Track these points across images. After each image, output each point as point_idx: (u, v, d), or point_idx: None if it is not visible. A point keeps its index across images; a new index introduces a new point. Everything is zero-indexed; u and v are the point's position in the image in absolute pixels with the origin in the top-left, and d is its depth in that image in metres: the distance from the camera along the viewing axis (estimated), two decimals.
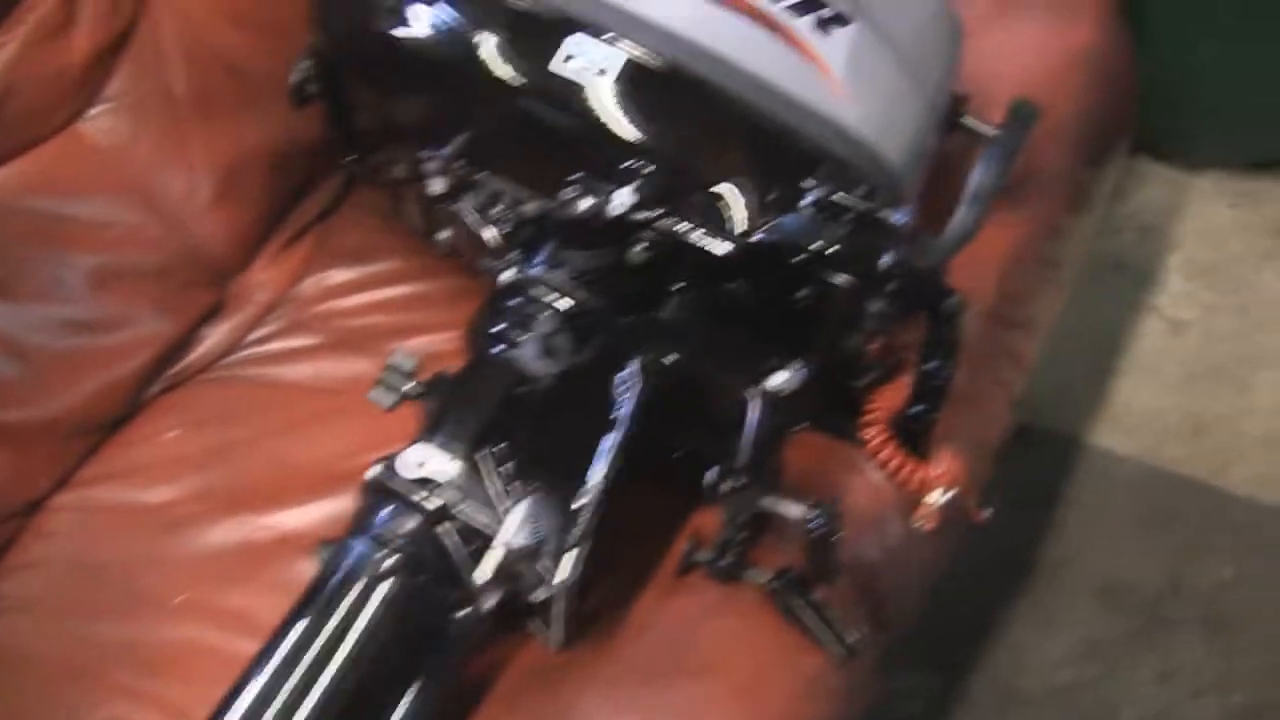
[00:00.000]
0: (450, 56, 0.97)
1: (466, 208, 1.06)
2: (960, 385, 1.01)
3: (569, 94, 0.94)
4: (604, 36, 0.94)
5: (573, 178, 0.96)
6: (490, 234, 1.05)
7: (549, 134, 0.98)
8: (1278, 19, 1.63)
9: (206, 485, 1.11)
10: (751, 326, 0.99)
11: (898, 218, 0.92)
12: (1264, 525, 1.51)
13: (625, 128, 0.94)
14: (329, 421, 1.13)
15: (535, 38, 0.96)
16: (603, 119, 0.94)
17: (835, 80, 0.97)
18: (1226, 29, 1.67)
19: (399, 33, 0.97)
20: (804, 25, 0.98)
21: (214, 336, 1.23)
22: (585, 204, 0.94)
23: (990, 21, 1.24)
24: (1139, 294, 1.73)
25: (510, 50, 0.96)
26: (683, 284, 0.98)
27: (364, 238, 1.23)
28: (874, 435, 1.02)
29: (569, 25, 0.95)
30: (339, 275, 1.25)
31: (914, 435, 1.01)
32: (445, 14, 0.97)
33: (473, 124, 1.02)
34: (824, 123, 0.95)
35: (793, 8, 0.99)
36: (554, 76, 0.95)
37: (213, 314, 1.23)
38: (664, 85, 0.94)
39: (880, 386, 1.03)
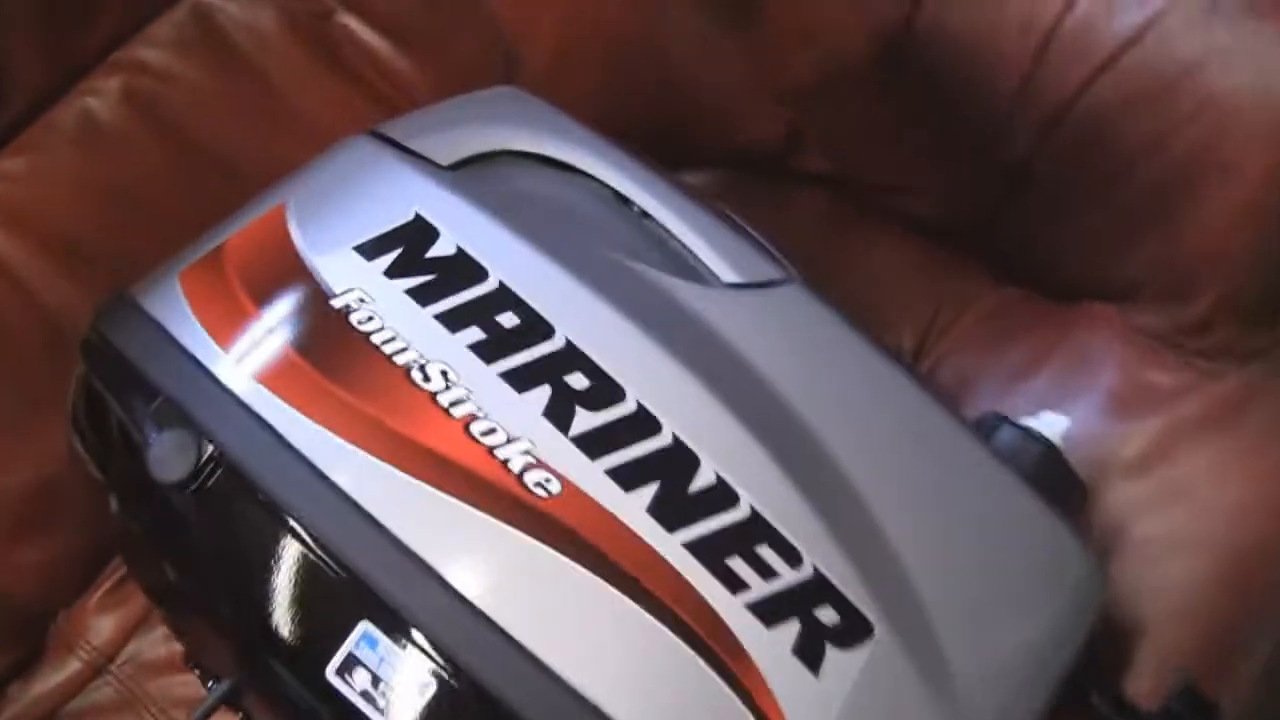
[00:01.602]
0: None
1: None
2: None
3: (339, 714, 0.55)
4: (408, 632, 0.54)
5: None
6: None
7: None
8: None
9: None
10: None
11: None
12: None
13: None
14: None
15: (318, 611, 0.56)
16: None
17: None
18: None
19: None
20: (775, 651, 0.53)
21: (21, 701, 0.88)
22: None
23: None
24: None
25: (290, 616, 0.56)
26: None
27: None
28: None
29: (361, 599, 0.55)
30: None
31: None
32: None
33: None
34: None
35: (764, 606, 0.54)
36: (325, 688, 0.55)
37: (22, 668, 0.89)
38: None
39: None
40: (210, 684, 0.67)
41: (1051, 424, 0.65)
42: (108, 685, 0.89)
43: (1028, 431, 0.65)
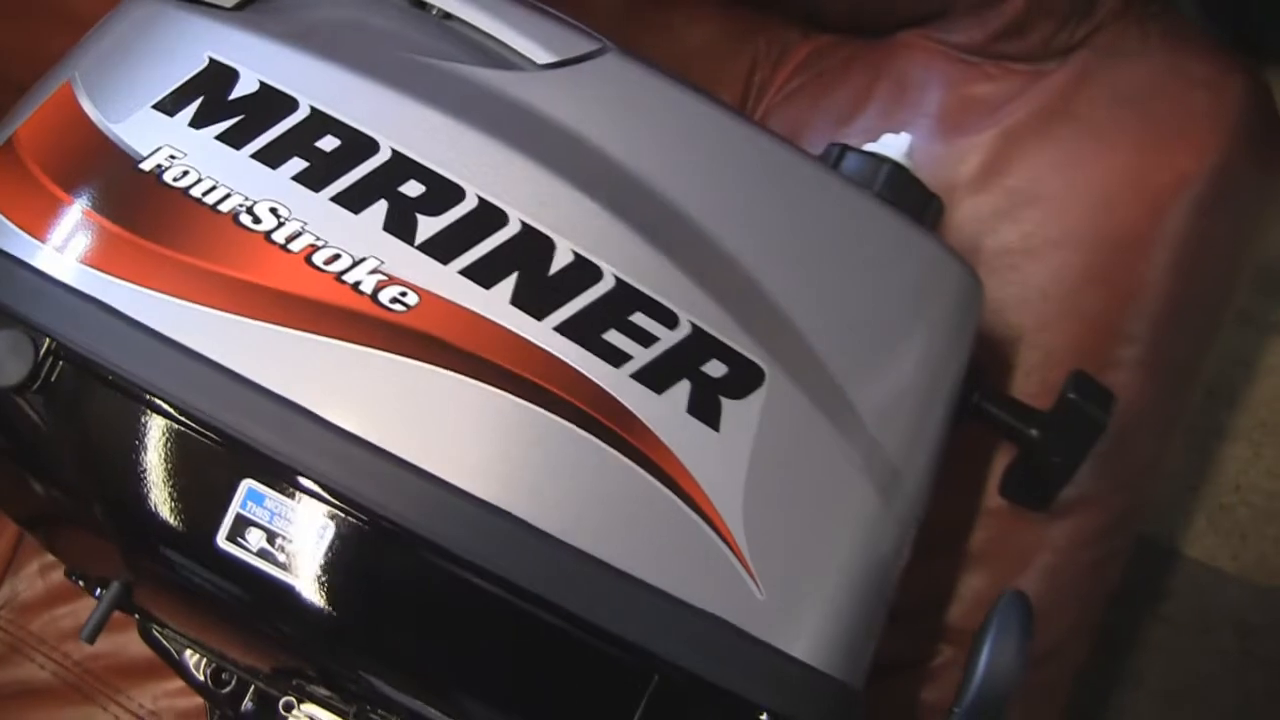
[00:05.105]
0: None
1: None
2: None
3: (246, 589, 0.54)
4: (294, 478, 0.53)
5: None
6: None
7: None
8: None
9: None
10: None
11: None
12: None
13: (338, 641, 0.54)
14: None
15: (196, 482, 0.54)
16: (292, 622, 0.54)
17: (715, 515, 0.54)
18: None
19: None
20: (670, 414, 0.53)
21: None
22: None
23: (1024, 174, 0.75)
24: None
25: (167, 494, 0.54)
26: None
27: None
28: None
29: (237, 457, 0.53)
30: None
31: None
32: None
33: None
34: (682, 618, 0.53)
35: (650, 372, 0.53)
36: (220, 558, 0.52)
37: None
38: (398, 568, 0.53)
39: None
40: (98, 591, 0.64)
41: (893, 144, 0.64)
42: None
43: (871, 154, 0.64)
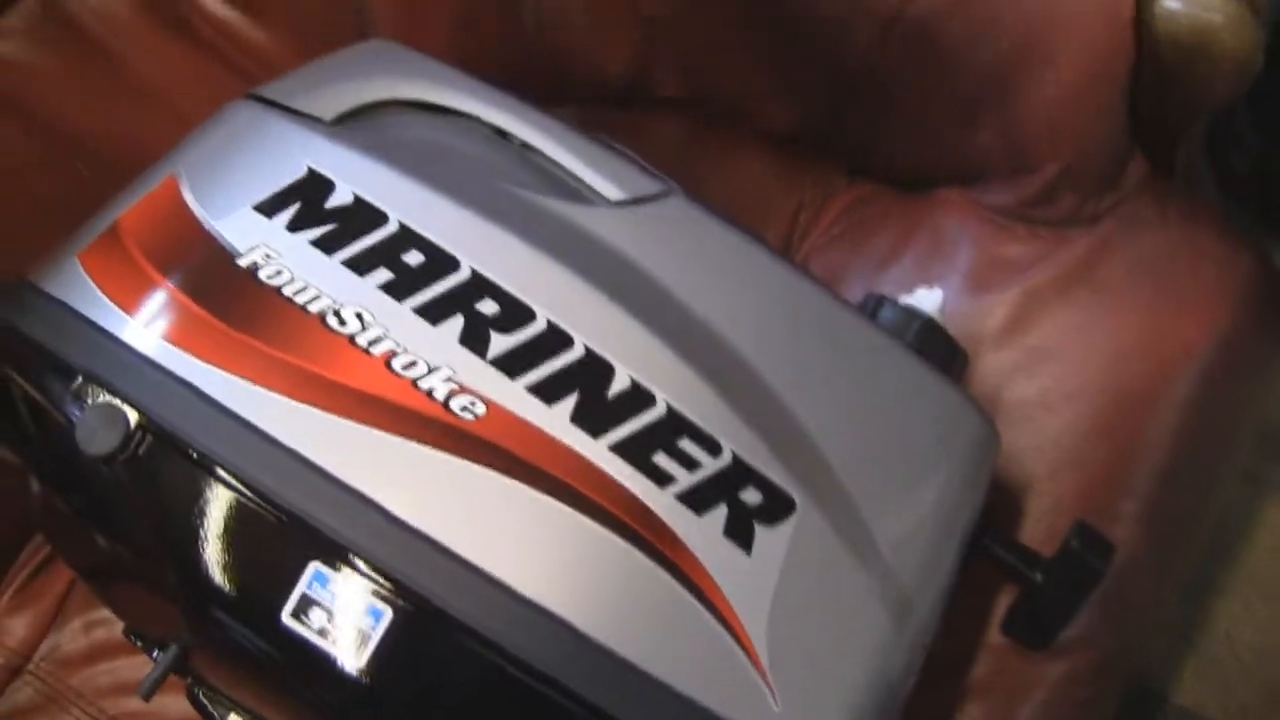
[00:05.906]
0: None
1: None
2: None
3: (304, 664, 0.57)
4: (358, 565, 0.56)
5: None
6: None
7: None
8: None
9: None
10: None
11: None
12: None
13: None
14: None
15: (267, 560, 0.58)
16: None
17: (741, 631, 0.58)
18: None
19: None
20: (707, 536, 0.57)
21: None
22: None
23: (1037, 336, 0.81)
24: None
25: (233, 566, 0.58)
26: None
27: None
28: None
29: (308, 540, 0.56)
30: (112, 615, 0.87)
31: None
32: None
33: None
34: None
35: (692, 495, 0.57)
36: (282, 633, 0.56)
37: None
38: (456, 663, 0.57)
39: None
40: (155, 653, 0.68)
41: (927, 298, 0.69)
42: (28, 686, 0.89)
43: (906, 307, 0.69)
